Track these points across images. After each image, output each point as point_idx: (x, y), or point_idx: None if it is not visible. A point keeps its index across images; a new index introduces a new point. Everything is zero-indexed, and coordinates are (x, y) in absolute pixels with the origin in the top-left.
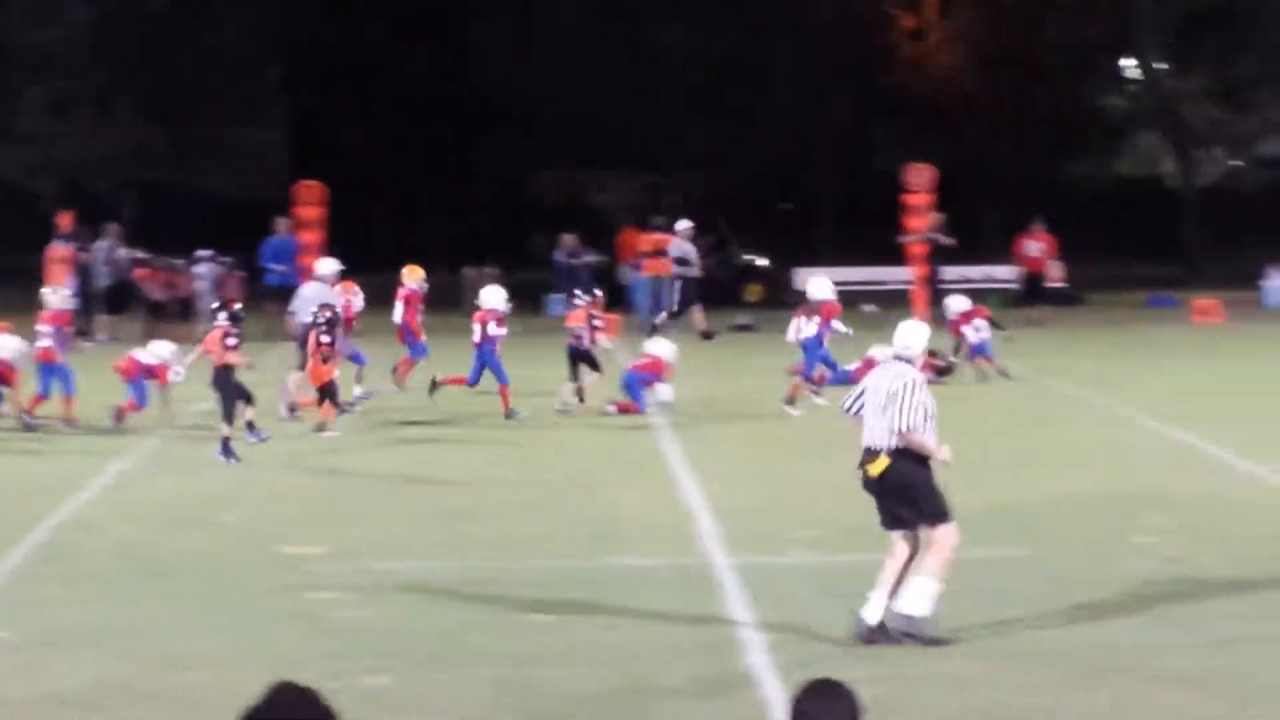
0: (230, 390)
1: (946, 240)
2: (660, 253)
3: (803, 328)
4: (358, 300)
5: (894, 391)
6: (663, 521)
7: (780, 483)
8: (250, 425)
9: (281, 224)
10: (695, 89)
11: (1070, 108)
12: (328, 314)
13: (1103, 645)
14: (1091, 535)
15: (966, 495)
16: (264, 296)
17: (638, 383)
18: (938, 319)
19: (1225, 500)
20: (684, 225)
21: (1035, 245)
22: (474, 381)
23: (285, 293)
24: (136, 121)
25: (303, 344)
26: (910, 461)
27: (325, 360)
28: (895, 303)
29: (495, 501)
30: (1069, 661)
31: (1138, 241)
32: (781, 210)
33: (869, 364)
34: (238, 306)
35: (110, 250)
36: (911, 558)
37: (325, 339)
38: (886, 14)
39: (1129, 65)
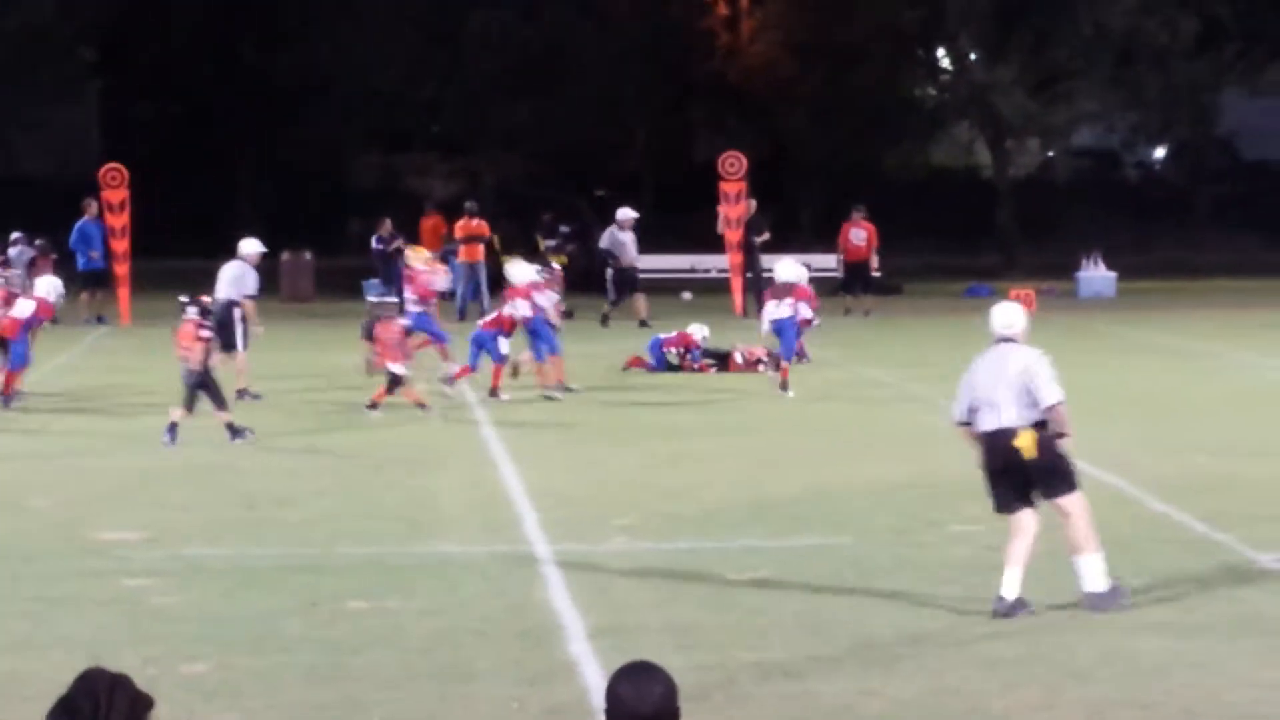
0: (203, 383)
1: (760, 238)
2: (473, 239)
3: (775, 311)
4: (440, 279)
5: (1027, 368)
6: (481, 508)
7: (598, 470)
8: (231, 427)
9: (90, 206)
10: (503, 72)
11: (883, 96)
12: (203, 302)
13: (918, 632)
14: (910, 523)
15: (784, 482)
16: (73, 280)
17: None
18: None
19: None
20: (625, 214)
21: (859, 233)
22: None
23: (94, 276)
24: None
25: (222, 326)
26: (1044, 433)
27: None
28: (714, 290)
29: (310, 487)
30: (882, 649)
31: (954, 231)
32: (597, 196)
33: (683, 338)
34: (207, 300)
35: None
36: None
37: (204, 332)
38: (702, 1)
39: (942, 55)
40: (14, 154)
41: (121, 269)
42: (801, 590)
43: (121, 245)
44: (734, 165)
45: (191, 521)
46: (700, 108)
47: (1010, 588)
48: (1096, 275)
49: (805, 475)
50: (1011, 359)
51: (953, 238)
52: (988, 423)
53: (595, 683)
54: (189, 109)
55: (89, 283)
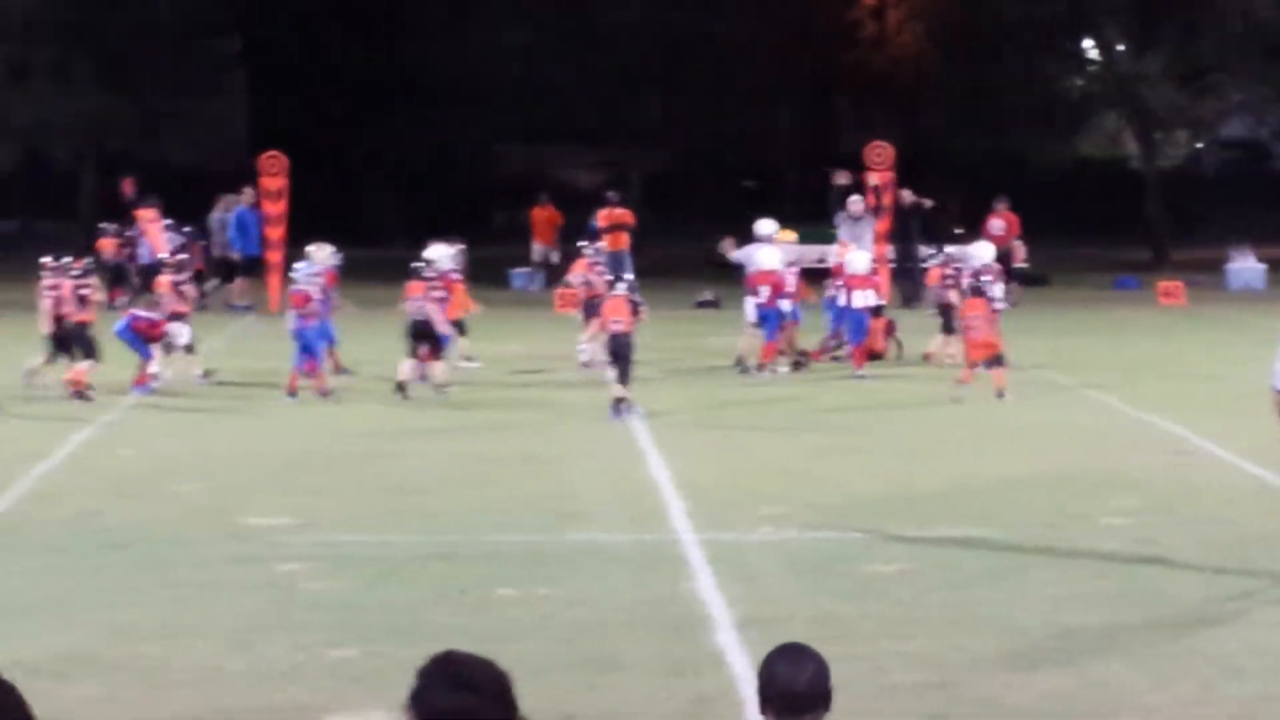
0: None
1: (927, 202)
2: (618, 227)
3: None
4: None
5: None
6: (628, 497)
7: (744, 460)
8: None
9: (246, 195)
10: (650, 64)
11: (1029, 88)
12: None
13: (1067, 625)
14: (1058, 516)
15: (932, 474)
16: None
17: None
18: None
19: (1189, 482)
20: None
21: (999, 224)
22: None
23: (249, 264)
24: (95, 91)
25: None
26: None
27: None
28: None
29: (457, 475)
30: (1032, 640)
31: (1101, 222)
32: (744, 188)
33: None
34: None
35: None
36: None
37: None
38: None
39: (1089, 46)
40: (160, 144)
41: (275, 256)
42: (948, 582)
43: (276, 233)
44: (880, 155)
45: (340, 508)
46: (845, 99)
47: None
48: (1246, 267)
49: (952, 467)
50: None
51: (1099, 229)
52: None
53: (742, 673)
54: (335, 100)
55: (244, 270)
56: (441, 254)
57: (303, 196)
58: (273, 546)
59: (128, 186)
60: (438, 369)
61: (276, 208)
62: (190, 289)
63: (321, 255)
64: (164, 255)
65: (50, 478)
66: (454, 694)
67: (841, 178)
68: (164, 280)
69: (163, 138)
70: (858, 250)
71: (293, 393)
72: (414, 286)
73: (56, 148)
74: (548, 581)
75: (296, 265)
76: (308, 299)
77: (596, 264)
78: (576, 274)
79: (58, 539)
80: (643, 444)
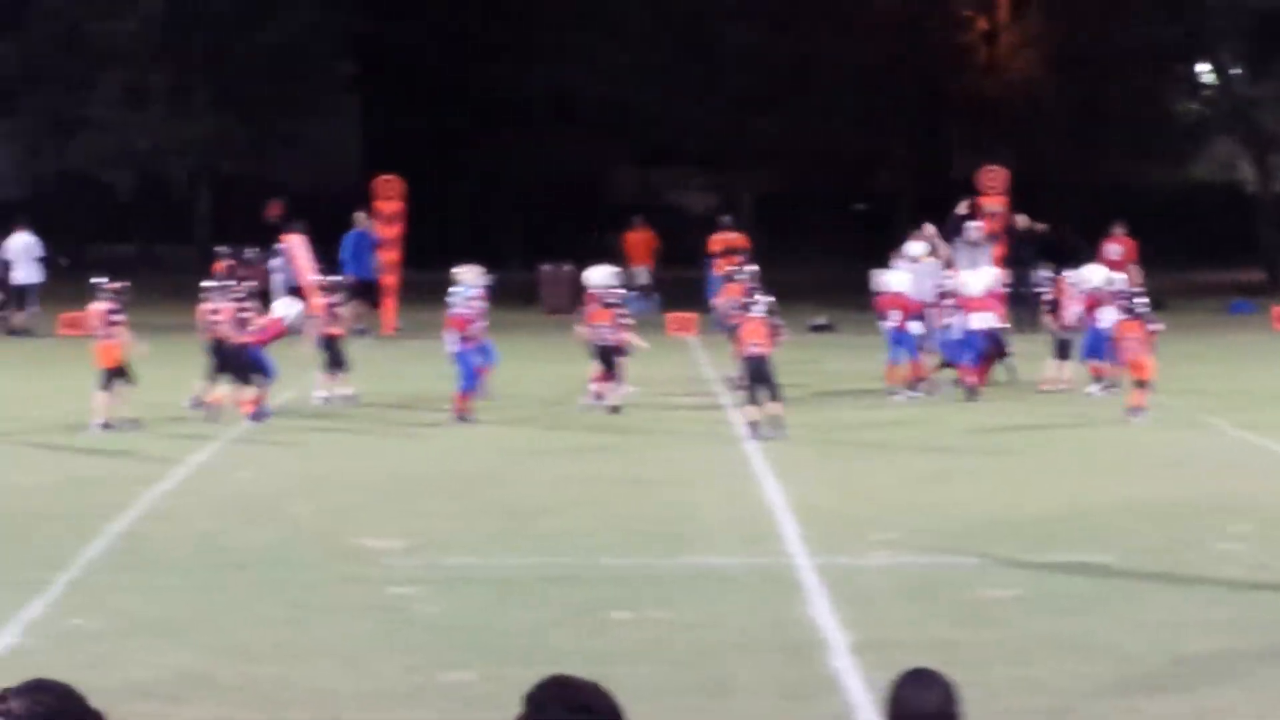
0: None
1: (1040, 227)
2: (730, 251)
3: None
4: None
5: None
6: (743, 520)
7: (859, 483)
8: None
9: (359, 218)
10: (757, 86)
11: (1143, 112)
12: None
13: (1183, 652)
14: (1173, 542)
15: (1046, 499)
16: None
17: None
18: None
19: None
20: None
21: (1115, 248)
22: None
23: (363, 287)
24: (211, 113)
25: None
26: None
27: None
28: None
29: (567, 497)
30: (1148, 667)
31: (1216, 246)
32: (856, 211)
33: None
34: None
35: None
36: None
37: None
38: (960, 16)
39: (1203, 70)
40: (273, 167)
41: (390, 279)
42: (1063, 608)
43: (391, 256)
44: (994, 179)
45: (453, 530)
46: (957, 123)
47: None
48: None
49: (1065, 493)
50: None
51: (1214, 254)
52: None
53: (857, 698)
54: (447, 122)
55: (357, 293)
56: (472, 277)
57: (417, 219)
58: (387, 569)
59: (275, 209)
60: (612, 389)
61: (392, 231)
62: (345, 311)
63: (471, 277)
64: (315, 278)
65: (170, 498)
66: (568, 717)
67: (961, 206)
68: (318, 302)
69: (277, 160)
70: (975, 273)
71: (463, 416)
72: (600, 314)
73: (173, 171)
74: (662, 604)
75: (451, 289)
76: (468, 322)
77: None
78: (727, 299)
79: (175, 559)
80: (757, 467)
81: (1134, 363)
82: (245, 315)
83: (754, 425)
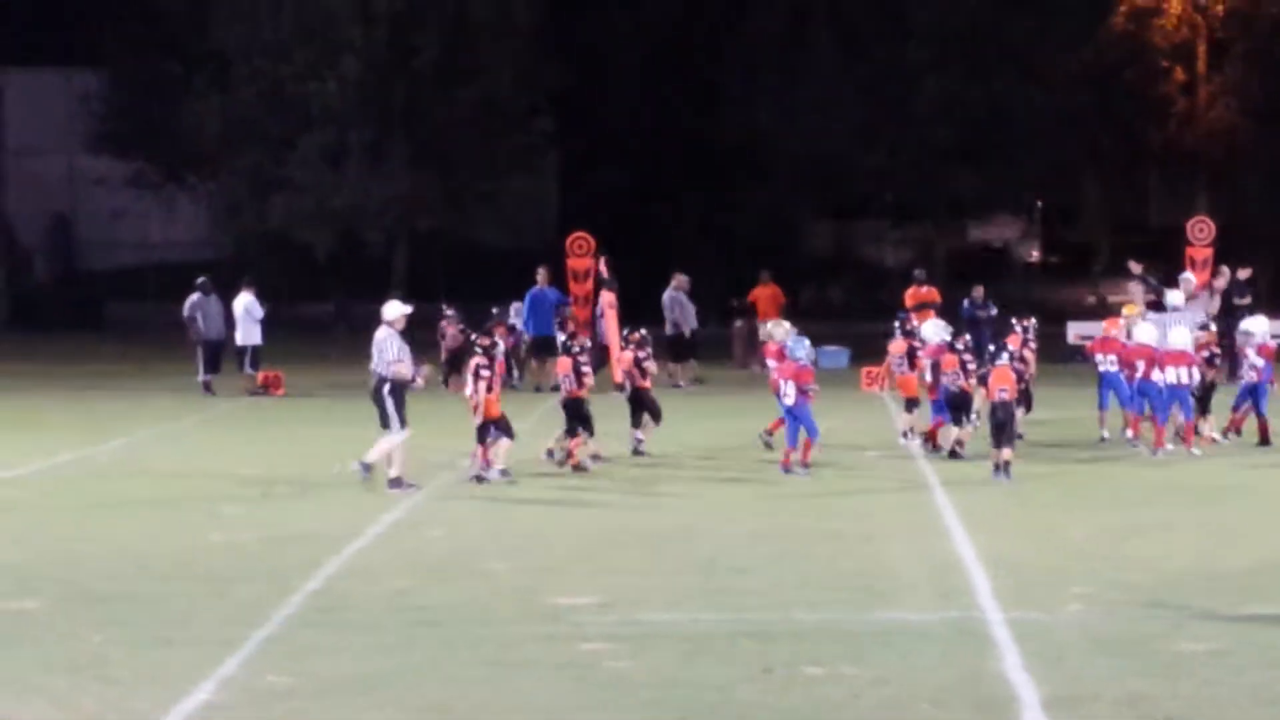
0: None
1: (1241, 301)
2: (924, 305)
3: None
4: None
5: None
6: (934, 575)
7: (1052, 538)
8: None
9: (541, 274)
10: (951, 138)
11: None
12: (485, 344)
13: None
14: None
15: (1243, 552)
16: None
17: None
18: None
19: None
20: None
21: None
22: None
23: (542, 343)
24: (408, 171)
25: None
26: None
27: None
28: None
29: (759, 552)
30: None
31: None
32: (1046, 263)
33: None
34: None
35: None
36: None
37: (485, 372)
38: (1159, 66)
39: None
40: (472, 223)
41: (583, 336)
42: (1260, 662)
43: (584, 313)
44: (1203, 231)
45: (646, 586)
46: (1155, 173)
47: None
48: None
49: (1264, 545)
50: None
51: None
52: None
53: None
54: (643, 179)
55: (539, 350)
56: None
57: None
58: (580, 625)
59: (605, 266)
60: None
61: (583, 288)
62: (652, 365)
63: (781, 332)
64: (619, 335)
65: (363, 555)
66: None
67: (1135, 267)
68: (627, 356)
69: (474, 217)
70: (1179, 328)
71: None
72: (1002, 373)
73: (370, 229)
74: (854, 660)
75: (789, 344)
76: (810, 374)
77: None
78: (896, 355)
79: (370, 617)
80: (950, 520)
81: None
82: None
83: (997, 467)
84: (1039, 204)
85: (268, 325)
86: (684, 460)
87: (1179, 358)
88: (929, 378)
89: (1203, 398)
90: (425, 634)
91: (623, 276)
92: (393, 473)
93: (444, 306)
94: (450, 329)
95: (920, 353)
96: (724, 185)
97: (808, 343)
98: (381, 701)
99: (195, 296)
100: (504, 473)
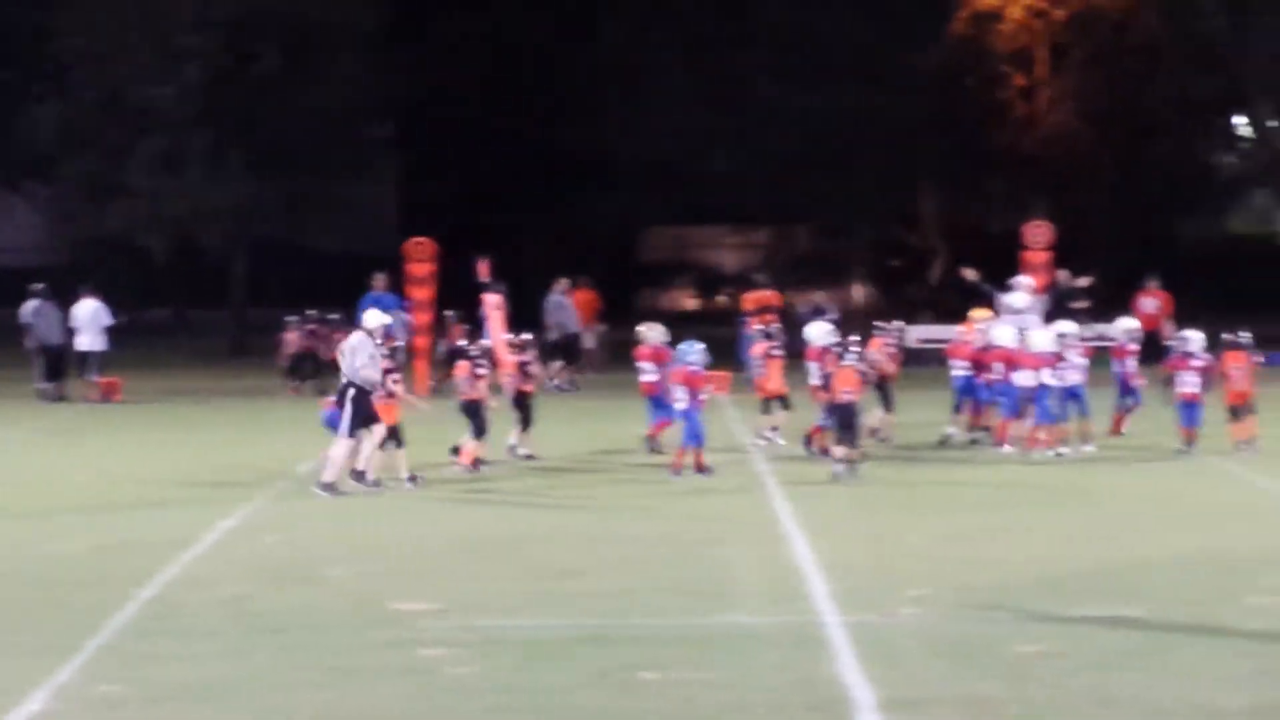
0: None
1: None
2: (765, 309)
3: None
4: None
5: None
6: (772, 579)
7: (890, 541)
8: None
9: (378, 280)
10: (792, 144)
11: (1181, 165)
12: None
13: (1214, 708)
14: (1205, 595)
15: (1079, 554)
16: None
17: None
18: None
19: None
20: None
21: (1150, 302)
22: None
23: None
24: (247, 178)
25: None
26: None
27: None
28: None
29: (601, 558)
30: None
31: (1252, 299)
32: (890, 267)
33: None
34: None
35: None
36: None
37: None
38: (998, 72)
39: (1241, 123)
40: (312, 230)
41: (421, 342)
42: (1094, 663)
43: (423, 319)
44: (1040, 235)
45: (486, 592)
46: (994, 179)
47: None
48: None
49: (1098, 547)
50: None
51: (1250, 306)
52: None
53: None
54: (483, 184)
55: None
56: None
57: (451, 280)
58: (418, 631)
59: (484, 269)
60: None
61: (423, 293)
62: (537, 369)
63: (654, 334)
64: (505, 338)
65: (201, 562)
66: None
67: (969, 274)
68: (509, 360)
69: (314, 223)
70: (1042, 329)
71: (702, 469)
72: (846, 375)
73: (209, 236)
74: (691, 664)
75: (681, 348)
76: (705, 380)
77: (890, 344)
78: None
79: (207, 624)
80: (788, 525)
81: (1237, 391)
82: (480, 372)
83: (841, 465)
84: (881, 209)
85: (106, 331)
86: (531, 466)
87: (1040, 359)
88: (815, 380)
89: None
90: (263, 641)
91: (463, 282)
92: (325, 477)
93: (322, 315)
94: (292, 336)
95: (806, 355)
96: (568, 192)
97: (701, 347)
98: (218, 709)
99: (33, 303)
100: (376, 483)
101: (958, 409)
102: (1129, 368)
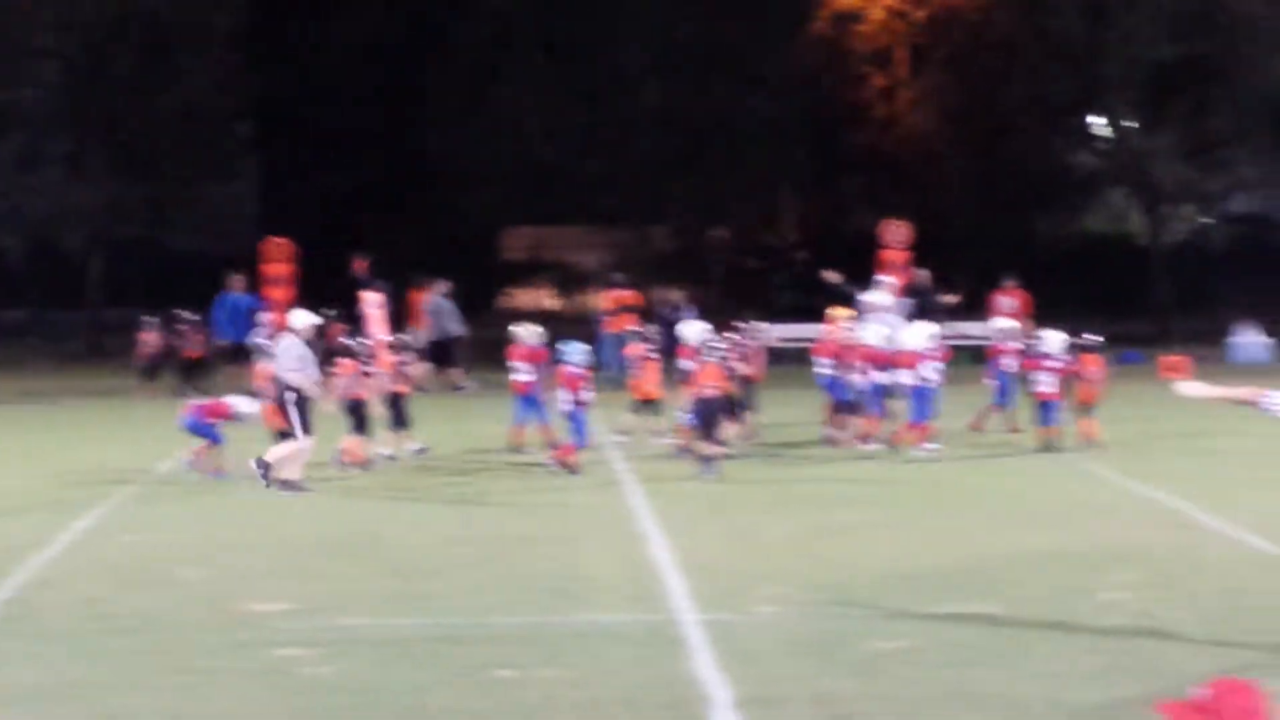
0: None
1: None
2: (624, 309)
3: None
4: None
5: None
6: (630, 577)
7: (747, 539)
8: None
9: (235, 280)
10: (660, 147)
11: (1038, 165)
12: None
13: (1068, 701)
14: (1060, 591)
15: (936, 551)
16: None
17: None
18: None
19: (1192, 556)
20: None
21: (1008, 302)
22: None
23: (237, 350)
24: (107, 178)
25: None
26: None
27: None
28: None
29: (458, 557)
30: (1033, 716)
31: (1108, 298)
32: (750, 268)
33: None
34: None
35: None
36: None
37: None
38: (857, 72)
39: (1097, 122)
40: (172, 230)
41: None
42: (951, 660)
43: (280, 320)
44: (899, 234)
45: (341, 592)
46: (855, 179)
47: None
48: (1251, 341)
49: (956, 544)
50: None
51: (1107, 305)
52: None
53: None
54: (346, 182)
55: (236, 357)
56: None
57: (313, 279)
58: (275, 632)
59: (360, 266)
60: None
61: (280, 294)
62: (414, 369)
63: (529, 334)
64: (385, 338)
65: (54, 564)
66: None
67: (831, 276)
68: (386, 360)
69: (174, 224)
70: (915, 327)
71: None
72: (710, 370)
73: (68, 237)
74: (548, 662)
75: (560, 347)
76: (583, 380)
77: (742, 346)
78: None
79: (60, 626)
80: (646, 523)
81: (1090, 392)
82: (368, 370)
83: (702, 462)
84: (741, 209)
85: None
86: (392, 467)
87: (911, 358)
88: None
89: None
90: (116, 642)
91: (327, 282)
92: (285, 474)
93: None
94: (148, 336)
95: (679, 353)
96: (429, 192)
97: (584, 348)
98: (70, 711)
99: None
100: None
101: (837, 411)
102: (1006, 366)
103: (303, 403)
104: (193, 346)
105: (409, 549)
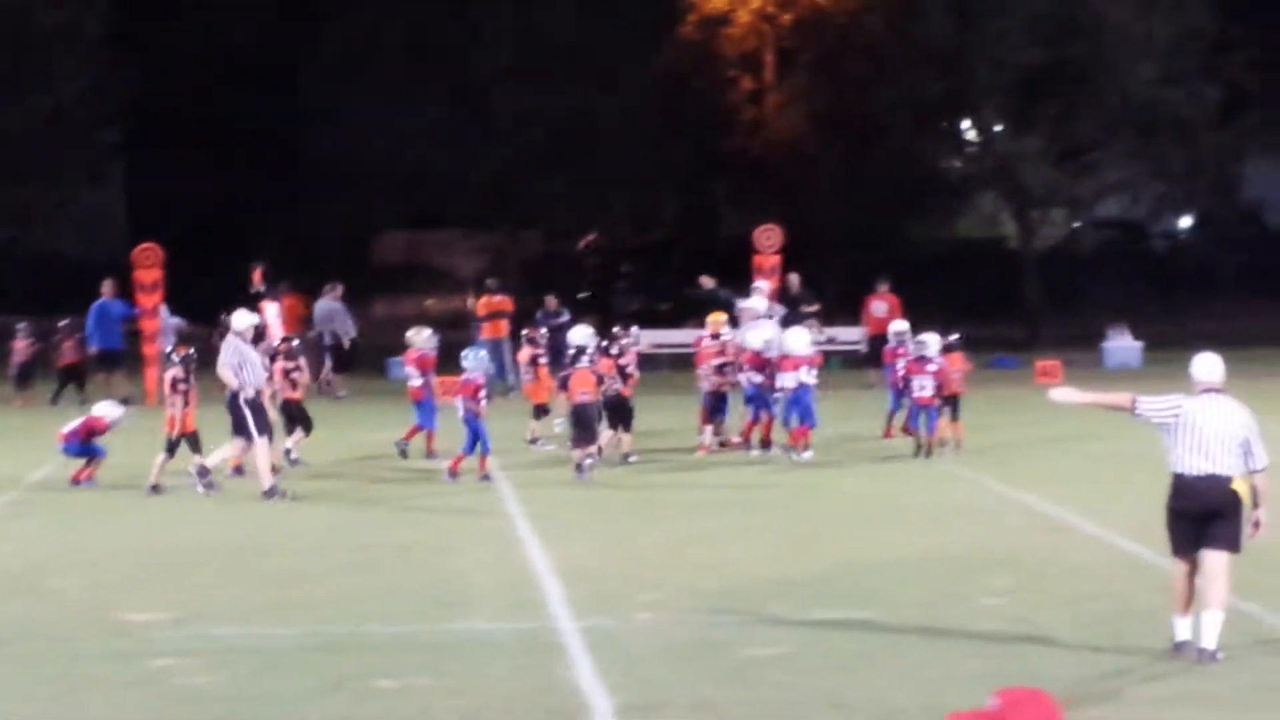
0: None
1: (810, 308)
2: (497, 315)
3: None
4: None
5: (1247, 424)
6: (507, 585)
7: (624, 547)
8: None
9: (106, 286)
10: (528, 148)
11: (908, 168)
12: (183, 353)
13: (944, 706)
14: (937, 596)
15: (812, 557)
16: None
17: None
18: None
19: (1066, 560)
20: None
21: (881, 306)
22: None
23: (107, 355)
24: None
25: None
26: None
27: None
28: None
29: (336, 565)
30: None
31: (979, 302)
32: (624, 273)
33: None
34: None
35: None
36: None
37: (183, 385)
38: (726, 76)
39: (967, 127)
40: (41, 234)
41: (151, 349)
42: (827, 666)
43: (152, 325)
44: (770, 238)
45: (218, 601)
46: (725, 182)
47: (1183, 631)
48: (1122, 345)
49: (832, 549)
50: (1233, 410)
51: (978, 309)
52: (1195, 466)
53: None
54: (213, 188)
55: (106, 363)
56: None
57: (179, 284)
58: (150, 641)
59: (258, 276)
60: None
61: (151, 300)
62: (304, 376)
63: (421, 339)
64: (276, 343)
65: None
66: None
67: (706, 282)
68: (277, 367)
69: (45, 228)
70: (796, 331)
71: (454, 473)
72: (582, 376)
73: None
74: (427, 671)
75: (464, 353)
76: (480, 387)
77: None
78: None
79: None
80: (522, 531)
81: (953, 390)
82: (295, 375)
83: (579, 467)
84: (613, 213)
85: None
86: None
87: (797, 361)
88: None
89: (715, 408)
90: None
91: (192, 289)
92: (263, 486)
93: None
94: (20, 344)
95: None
96: (300, 195)
97: (482, 353)
98: None
99: None
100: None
101: (712, 416)
102: (900, 370)
103: (253, 403)
104: (67, 354)
105: (286, 556)
